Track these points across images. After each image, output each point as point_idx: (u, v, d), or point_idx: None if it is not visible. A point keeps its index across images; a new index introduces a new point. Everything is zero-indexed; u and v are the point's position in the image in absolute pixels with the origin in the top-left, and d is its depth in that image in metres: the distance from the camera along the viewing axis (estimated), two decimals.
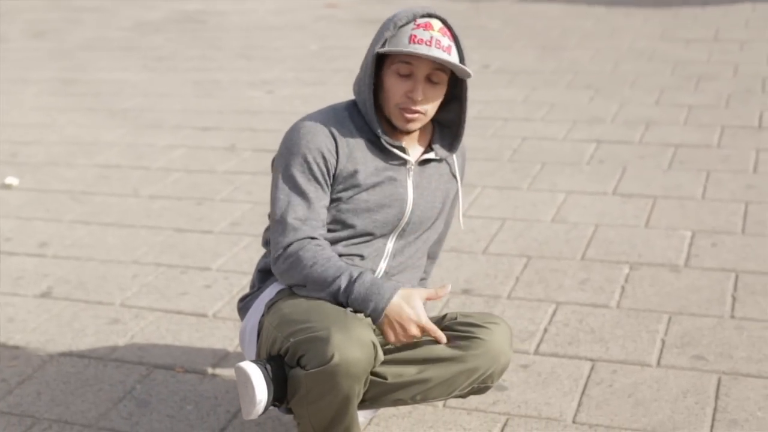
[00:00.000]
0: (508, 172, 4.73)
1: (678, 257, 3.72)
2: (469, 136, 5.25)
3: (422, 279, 2.86)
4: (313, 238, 2.44)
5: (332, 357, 2.21)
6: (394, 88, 2.45)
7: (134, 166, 5.22)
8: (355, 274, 2.38)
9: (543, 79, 6.36)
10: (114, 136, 5.80)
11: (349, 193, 2.49)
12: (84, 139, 5.77)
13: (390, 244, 2.58)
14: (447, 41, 2.44)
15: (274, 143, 5.43)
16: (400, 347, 2.50)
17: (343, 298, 2.38)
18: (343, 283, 2.37)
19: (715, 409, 2.78)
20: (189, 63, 7.63)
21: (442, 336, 2.40)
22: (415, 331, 2.37)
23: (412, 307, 2.36)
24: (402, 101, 2.45)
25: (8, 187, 5.04)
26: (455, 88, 2.59)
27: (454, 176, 2.68)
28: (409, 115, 2.46)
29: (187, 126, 5.89)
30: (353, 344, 2.23)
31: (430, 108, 2.49)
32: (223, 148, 5.41)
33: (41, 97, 6.89)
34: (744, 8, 8.08)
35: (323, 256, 2.41)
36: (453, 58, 2.43)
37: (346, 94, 6.33)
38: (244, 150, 5.36)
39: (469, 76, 2.44)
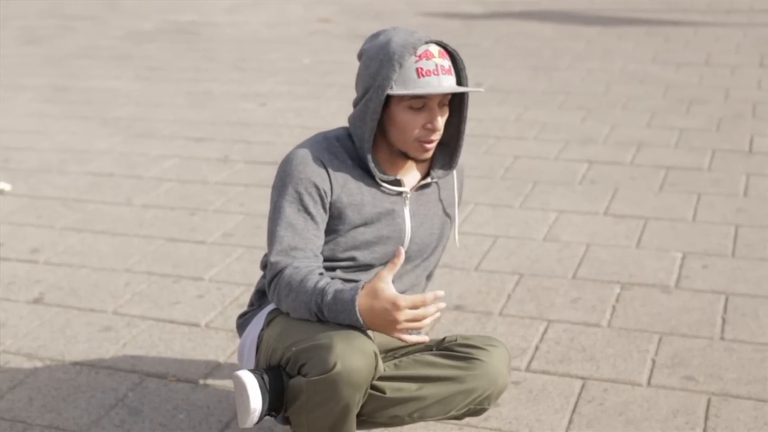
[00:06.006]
0: (500, 189, 4.76)
1: (669, 278, 3.75)
2: (463, 153, 5.28)
3: None
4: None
5: (335, 365, 2.23)
6: (411, 123, 2.42)
7: (127, 175, 5.22)
8: (320, 300, 2.31)
9: (535, 98, 6.40)
10: (106, 144, 5.81)
11: (347, 227, 2.49)
12: (76, 147, 5.77)
13: None
14: (447, 63, 2.43)
15: (267, 155, 5.45)
16: (401, 363, 2.51)
17: (326, 321, 2.35)
18: (316, 311, 2.32)
19: (704, 430, 2.80)
20: (182, 74, 7.64)
21: (427, 297, 2.24)
22: (400, 316, 2.23)
23: (381, 299, 2.24)
24: (422, 134, 2.43)
25: (0, 192, 5.03)
26: (452, 99, 2.59)
27: (450, 197, 2.68)
28: (429, 145, 2.46)
29: (180, 136, 5.90)
30: (355, 353, 2.24)
31: (443, 130, 2.54)
32: (215, 159, 5.42)
33: (34, 103, 6.89)
34: (735, 33, 8.15)
35: (296, 281, 2.36)
36: (462, 82, 2.46)
37: (339, 108, 6.35)
38: (237, 161, 5.37)
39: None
